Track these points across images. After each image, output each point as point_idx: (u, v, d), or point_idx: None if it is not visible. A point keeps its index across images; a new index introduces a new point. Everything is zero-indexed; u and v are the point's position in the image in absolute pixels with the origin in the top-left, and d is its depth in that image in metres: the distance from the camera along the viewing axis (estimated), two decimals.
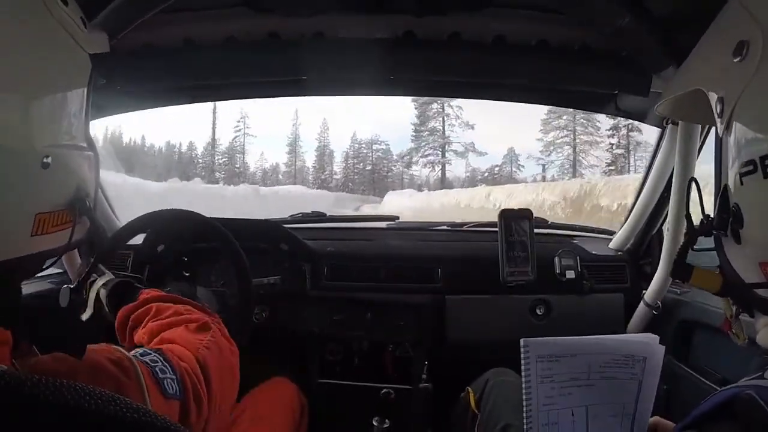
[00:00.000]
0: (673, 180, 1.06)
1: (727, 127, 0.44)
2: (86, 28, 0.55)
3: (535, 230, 1.24)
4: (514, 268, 1.20)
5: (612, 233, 1.41)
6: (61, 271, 1.20)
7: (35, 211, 0.45)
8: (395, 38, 0.99)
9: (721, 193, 0.44)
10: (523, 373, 0.71)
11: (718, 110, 0.45)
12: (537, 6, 0.92)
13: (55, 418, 0.32)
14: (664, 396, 1.10)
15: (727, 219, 0.43)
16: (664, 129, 1.12)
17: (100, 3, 0.73)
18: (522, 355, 0.72)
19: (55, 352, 0.45)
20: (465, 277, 1.26)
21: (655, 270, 1.16)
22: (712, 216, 0.46)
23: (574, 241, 1.39)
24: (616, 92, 1.12)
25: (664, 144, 1.13)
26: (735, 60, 0.42)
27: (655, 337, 0.71)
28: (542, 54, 0.99)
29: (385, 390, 1.20)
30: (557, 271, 1.23)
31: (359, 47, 0.99)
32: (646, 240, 1.29)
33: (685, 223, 0.50)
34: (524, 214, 1.24)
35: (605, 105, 1.20)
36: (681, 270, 0.49)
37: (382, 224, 1.62)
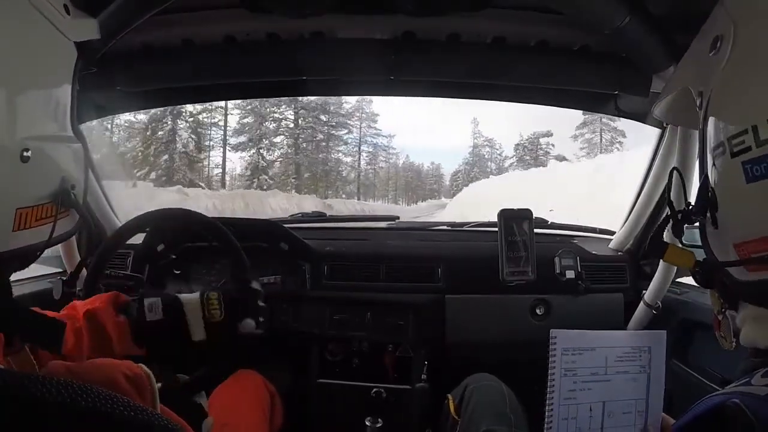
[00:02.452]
0: (673, 180, 1.06)
1: (705, 119, 0.45)
2: (69, 14, 0.53)
3: (535, 230, 1.24)
4: (514, 268, 1.20)
5: (612, 233, 1.41)
6: (60, 270, 1.20)
7: (15, 206, 0.44)
8: (395, 39, 0.99)
9: (702, 180, 0.45)
10: (549, 365, 0.71)
11: (698, 103, 0.47)
12: (536, 6, 0.92)
13: (53, 417, 0.32)
14: (665, 396, 1.10)
15: (705, 204, 0.44)
16: (664, 129, 1.12)
17: (99, 4, 0.73)
18: (550, 346, 0.71)
19: (69, 363, 0.45)
20: (465, 276, 1.26)
21: (655, 270, 1.16)
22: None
23: (574, 241, 1.39)
24: (616, 92, 1.12)
25: (663, 144, 1.13)
26: (711, 54, 0.45)
27: (661, 332, 0.71)
28: (542, 54, 0.99)
29: (376, 389, 1.20)
30: (557, 271, 1.23)
31: (358, 48, 0.99)
32: (646, 240, 1.29)
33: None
34: (524, 214, 1.24)
35: (605, 105, 1.20)
36: (656, 247, 0.51)
37: (382, 224, 1.62)
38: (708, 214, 0.44)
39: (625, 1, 0.79)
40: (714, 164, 0.43)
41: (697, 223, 0.48)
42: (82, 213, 0.55)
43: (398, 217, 1.62)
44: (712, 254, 0.46)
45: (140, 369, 0.48)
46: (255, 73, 1.08)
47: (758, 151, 0.37)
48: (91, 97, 1.08)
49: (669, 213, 0.51)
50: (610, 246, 1.38)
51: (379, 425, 1.11)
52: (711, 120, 0.44)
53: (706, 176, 0.45)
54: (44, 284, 1.13)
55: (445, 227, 1.58)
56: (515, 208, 1.25)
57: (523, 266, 1.20)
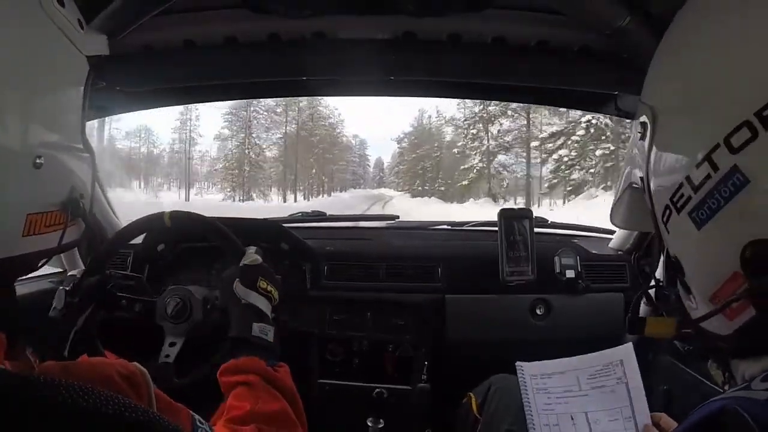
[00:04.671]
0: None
1: (650, 197, 0.47)
2: (83, 29, 0.55)
3: (535, 230, 1.25)
4: (514, 267, 1.20)
5: (612, 233, 1.41)
6: (61, 270, 1.20)
7: (26, 211, 0.45)
8: (395, 39, 0.99)
9: (666, 256, 0.46)
10: (520, 387, 0.81)
11: (642, 186, 0.49)
12: (537, 7, 0.92)
13: (53, 417, 0.32)
14: (664, 396, 1.10)
15: (674, 274, 0.45)
16: None
17: (98, 4, 0.73)
18: (518, 374, 0.82)
19: (64, 362, 0.45)
20: (465, 276, 1.26)
21: (655, 270, 1.16)
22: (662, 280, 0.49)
23: (574, 241, 1.39)
24: (616, 93, 1.12)
25: None
26: (640, 141, 0.48)
27: (628, 344, 0.78)
28: (542, 55, 0.99)
29: (378, 390, 1.20)
30: (557, 270, 1.23)
31: (359, 48, 0.99)
32: (646, 240, 1.29)
33: None
34: (524, 213, 1.24)
35: (605, 105, 1.20)
36: (635, 325, 0.51)
37: (382, 223, 1.62)
38: (678, 283, 0.45)
39: (625, 2, 0.79)
40: (668, 231, 0.44)
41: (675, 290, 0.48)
42: (88, 223, 0.57)
43: (398, 217, 1.62)
44: (693, 324, 0.45)
45: (135, 367, 0.48)
46: (256, 73, 1.08)
47: (697, 196, 0.39)
48: (91, 98, 1.09)
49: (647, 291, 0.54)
50: (610, 245, 1.38)
51: (381, 426, 1.12)
52: (654, 193, 0.46)
53: (667, 251, 0.46)
54: (45, 284, 1.13)
55: (445, 227, 1.58)
56: (515, 207, 1.25)
57: (523, 266, 1.21)
